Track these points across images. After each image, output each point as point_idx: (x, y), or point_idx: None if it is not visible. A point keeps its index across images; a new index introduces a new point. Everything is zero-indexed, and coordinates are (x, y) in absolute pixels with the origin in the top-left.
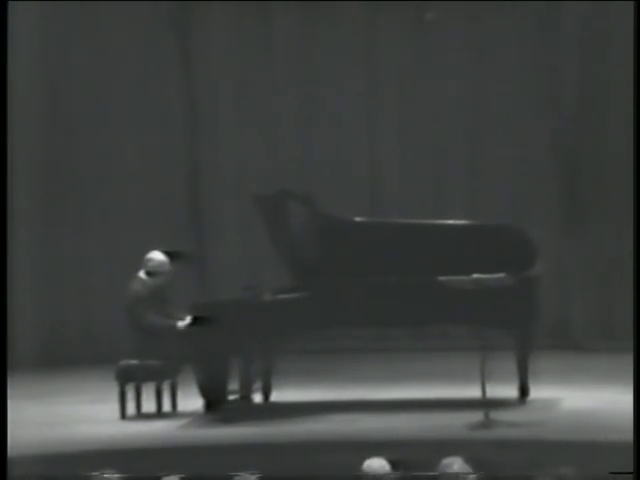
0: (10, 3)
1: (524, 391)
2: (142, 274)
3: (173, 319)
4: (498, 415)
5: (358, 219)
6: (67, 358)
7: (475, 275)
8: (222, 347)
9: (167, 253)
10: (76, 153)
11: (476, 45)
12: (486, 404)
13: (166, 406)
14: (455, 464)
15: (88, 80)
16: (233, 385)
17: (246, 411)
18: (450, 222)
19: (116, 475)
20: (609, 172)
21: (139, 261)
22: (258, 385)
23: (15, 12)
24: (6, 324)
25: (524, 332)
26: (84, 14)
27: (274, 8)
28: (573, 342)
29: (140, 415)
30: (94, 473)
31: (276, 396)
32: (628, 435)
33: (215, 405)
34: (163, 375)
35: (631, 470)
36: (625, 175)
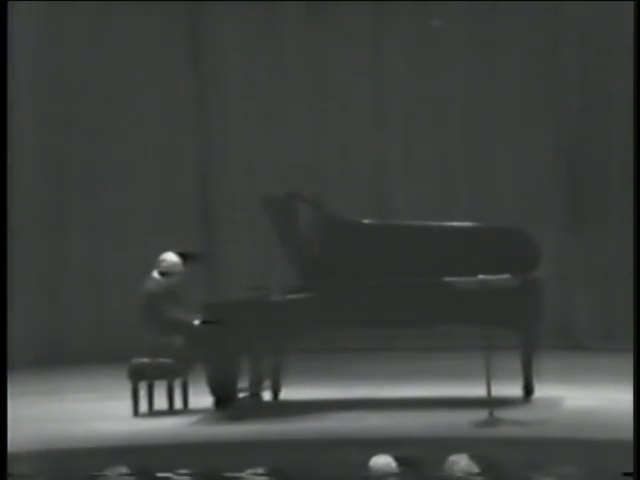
0: (10, 3)
1: (528, 390)
2: (156, 274)
3: (187, 317)
4: (503, 413)
5: (366, 221)
6: (80, 356)
7: (480, 276)
8: (232, 346)
9: (180, 254)
10: (88, 153)
11: (480, 49)
12: (491, 402)
13: (177, 403)
14: (461, 461)
15: (101, 81)
16: (243, 383)
17: (255, 409)
18: (456, 224)
19: (128, 471)
20: (612, 174)
21: (149, 261)
22: (267, 383)
23: (23, 11)
24: (6, 323)
25: (528, 332)
26: (94, 13)
27: (282, 12)
28: (576, 342)
29: (152, 412)
30: (107, 472)
31: (285, 394)
32: (630, 434)
33: (225, 403)
34: (175, 373)
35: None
36: (628, 176)
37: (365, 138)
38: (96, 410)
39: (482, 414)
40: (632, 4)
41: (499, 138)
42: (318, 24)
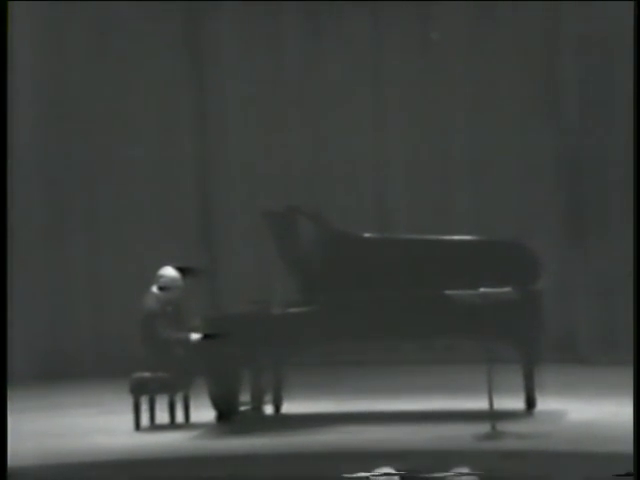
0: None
1: (530, 403)
2: (155, 289)
3: (186, 332)
4: (505, 426)
5: (366, 235)
6: (81, 370)
7: (481, 289)
8: (233, 360)
9: (179, 269)
10: (89, 166)
11: (480, 58)
12: (493, 416)
13: (179, 417)
14: (462, 474)
15: (102, 93)
16: (244, 397)
17: (257, 422)
18: (456, 237)
19: None
20: (612, 185)
21: (149, 274)
22: (269, 397)
23: (28, 18)
24: (6, 334)
25: (530, 345)
26: (95, 18)
27: (282, 19)
28: (578, 355)
29: (154, 426)
30: None
31: (287, 408)
32: (631, 446)
33: (227, 416)
34: (176, 387)
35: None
36: (628, 188)
37: (366, 152)
38: (98, 424)
39: (484, 427)
40: (632, 4)
41: (499, 152)
42: (318, 30)
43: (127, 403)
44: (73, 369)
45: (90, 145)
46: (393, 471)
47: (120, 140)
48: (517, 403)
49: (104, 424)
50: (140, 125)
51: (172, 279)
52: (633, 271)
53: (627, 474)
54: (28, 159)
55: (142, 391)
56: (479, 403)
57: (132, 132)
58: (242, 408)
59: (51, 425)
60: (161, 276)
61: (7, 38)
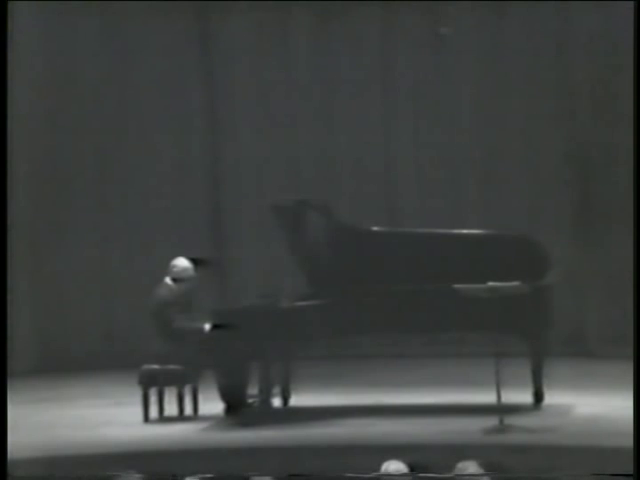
0: (10, 3)
1: (539, 397)
2: (168, 280)
3: (199, 323)
4: (513, 420)
5: (375, 228)
6: (91, 362)
7: (490, 283)
8: (242, 352)
9: (191, 259)
10: (99, 159)
11: (490, 55)
12: (501, 409)
13: (188, 410)
14: (470, 468)
15: (112, 89)
16: (253, 389)
17: (265, 415)
18: (465, 231)
19: (138, 476)
20: (622, 180)
21: (159, 267)
22: (277, 389)
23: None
24: (6, 328)
25: (538, 339)
26: (105, 20)
27: (292, 17)
28: (586, 349)
29: (162, 418)
30: (117, 473)
31: (295, 400)
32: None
33: (235, 409)
34: (185, 379)
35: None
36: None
37: (376, 146)
38: (107, 416)
39: (492, 421)
40: (632, 4)
41: (509, 146)
42: (327, 28)
43: (136, 395)
44: (82, 360)
45: (102, 141)
46: (401, 464)
47: (131, 137)
48: (525, 397)
49: (113, 416)
50: (151, 121)
51: (184, 269)
52: (633, 271)
53: (627, 474)
54: (41, 154)
55: (151, 383)
56: (487, 397)
57: (143, 128)
58: (250, 401)
59: (60, 417)
60: (174, 266)
61: (7, 38)
